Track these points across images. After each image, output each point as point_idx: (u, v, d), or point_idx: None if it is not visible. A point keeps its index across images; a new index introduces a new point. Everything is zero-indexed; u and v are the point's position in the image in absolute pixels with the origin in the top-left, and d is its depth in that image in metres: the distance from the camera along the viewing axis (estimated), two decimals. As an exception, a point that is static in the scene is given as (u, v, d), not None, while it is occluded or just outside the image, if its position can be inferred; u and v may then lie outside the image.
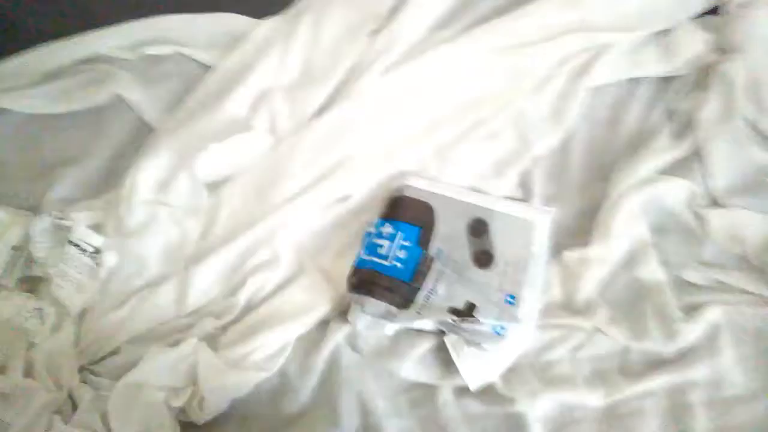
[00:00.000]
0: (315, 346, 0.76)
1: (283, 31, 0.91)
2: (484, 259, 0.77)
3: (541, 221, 0.80)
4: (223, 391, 0.73)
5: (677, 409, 0.71)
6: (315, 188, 0.81)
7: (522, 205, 0.83)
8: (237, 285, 0.79)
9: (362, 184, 0.83)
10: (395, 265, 0.76)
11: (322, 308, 0.77)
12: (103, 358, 0.77)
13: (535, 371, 0.74)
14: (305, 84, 0.88)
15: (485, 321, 0.72)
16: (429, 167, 0.84)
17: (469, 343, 0.72)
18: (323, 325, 0.78)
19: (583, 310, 0.77)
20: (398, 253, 0.77)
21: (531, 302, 0.75)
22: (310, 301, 0.78)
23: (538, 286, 0.77)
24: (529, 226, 0.80)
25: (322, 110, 0.87)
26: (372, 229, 0.79)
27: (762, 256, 0.77)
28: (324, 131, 0.84)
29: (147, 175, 0.82)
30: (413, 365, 0.75)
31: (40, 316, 0.77)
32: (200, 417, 0.73)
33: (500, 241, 0.79)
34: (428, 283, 0.75)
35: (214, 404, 0.72)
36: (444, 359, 0.75)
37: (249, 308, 0.79)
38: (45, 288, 0.79)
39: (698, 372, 0.72)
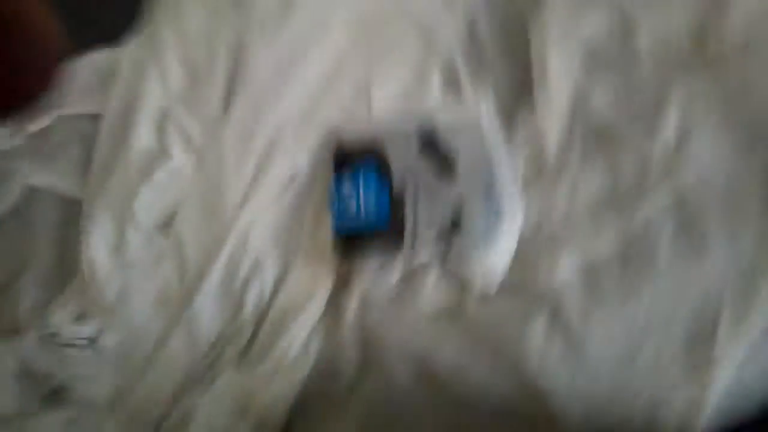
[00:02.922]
0: (338, 323, 0.77)
1: (148, 45, 0.85)
2: (447, 172, 0.77)
3: (483, 112, 0.79)
4: (278, 402, 0.75)
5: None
6: (259, 183, 0.79)
7: (459, 107, 0.81)
8: (238, 304, 0.79)
9: (301, 159, 0.80)
10: (370, 219, 0.75)
11: (324, 287, 0.77)
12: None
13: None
14: (197, 86, 0.83)
15: (475, 223, 0.73)
16: (356, 113, 0.82)
17: (469, 252, 0.74)
18: (332, 301, 0.78)
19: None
20: (368, 204, 0.75)
21: (508, 191, 0.76)
22: (310, 286, 0.77)
23: (507, 173, 0.77)
24: (476, 123, 0.78)
25: (227, 104, 0.83)
26: (333, 192, 0.78)
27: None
28: (238, 126, 0.80)
29: (97, 247, 0.79)
30: (431, 295, 0.76)
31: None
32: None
33: (455, 148, 0.77)
34: (408, 218, 0.74)
35: (275, 420, 0.74)
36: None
37: (260, 319, 0.79)
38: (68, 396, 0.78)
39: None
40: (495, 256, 0.74)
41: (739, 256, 0.70)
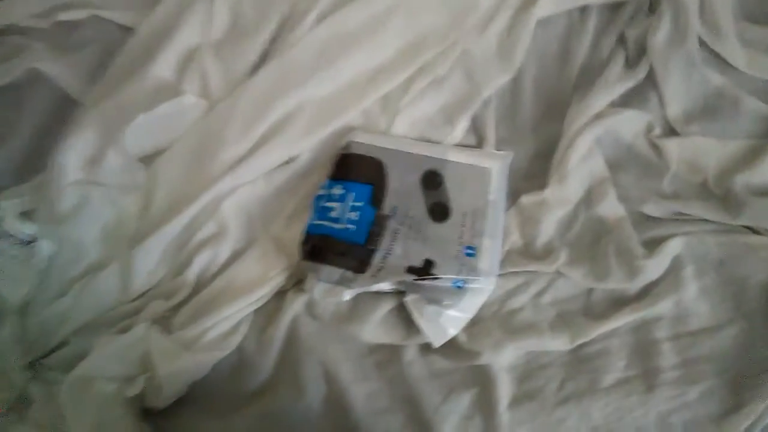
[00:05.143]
0: (272, 319, 0.73)
1: (205, -18, 0.84)
2: (440, 212, 0.74)
3: (497, 167, 0.77)
4: (180, 375, 0.70)
5: (643, 346, 0.70)
6: (257, 152, 0.76)
7: (476, 152, 0.79)
8: (185, 263, 0.75)
9: (307, 144, 0.78)
10: (348, 228, 0.72)
11: (276, 279, 0.74)
12: (53, 351, 0.73)
13: (499, 321, 0.73)
14: (236, 39, 0.81)
15: (445, 276, 0.70)
16: (376, 120, 0.79)
17: (429, 301, 0.70)
18: (280, 295, 0.75)
19: (544, 254, 0.75)
20: (350, 215, 0.73)
21: (492, 252, 0.73)
22: (264, 272, 0.74)
23: (498, 235, 0.74)
24: (485, 174, 0.76)
25: (256, 67, 0.81)
26: (321, 192, 0.75)
27: (722, 183, 0.75)
28: (260, 89, 0.78)
29: (74, 153, 0.75)
30: (375, 327, 0.72)
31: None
32: (159, 403, 0.70)
33: (456, 192, 0.75)
34: (384, 244, 0.72)
35: (172, 389, 0.69)
36: (407, 318, 0.72)
37: (200, 285, 0.75)
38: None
39: (662, 307, 0.71)
40: (452, 313, 0.70)
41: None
